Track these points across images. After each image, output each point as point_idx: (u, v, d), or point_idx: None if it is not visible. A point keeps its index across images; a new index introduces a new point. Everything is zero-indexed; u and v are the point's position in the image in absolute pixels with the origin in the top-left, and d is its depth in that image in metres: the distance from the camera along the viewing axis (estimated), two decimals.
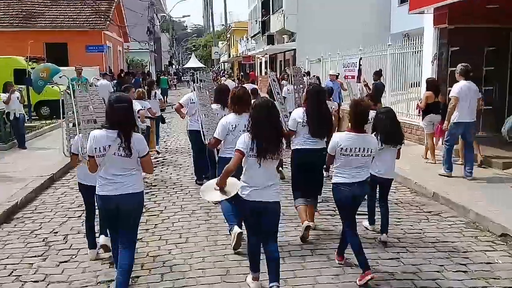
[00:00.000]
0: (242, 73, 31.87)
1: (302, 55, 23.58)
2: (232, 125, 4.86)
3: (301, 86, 6.85)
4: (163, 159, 10.30)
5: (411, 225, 5.92)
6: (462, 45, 9.68)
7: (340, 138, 4.31)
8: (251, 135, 3.77)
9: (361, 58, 15.05)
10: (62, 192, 7.69)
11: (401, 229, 5.78)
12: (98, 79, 12.40)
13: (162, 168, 9.36)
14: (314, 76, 16.23)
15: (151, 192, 7.46)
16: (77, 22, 23.57)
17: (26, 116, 15.41)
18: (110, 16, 23.99)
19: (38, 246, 5.35)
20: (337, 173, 4.37)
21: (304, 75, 10.42)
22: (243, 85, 7.52)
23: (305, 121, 5.23)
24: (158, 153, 10.54)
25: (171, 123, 16.41)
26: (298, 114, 5.34)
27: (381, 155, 5.00)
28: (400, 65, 12.54)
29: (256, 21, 39.09)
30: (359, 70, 15.06)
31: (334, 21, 23.65)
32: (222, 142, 4.97)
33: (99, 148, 3.73)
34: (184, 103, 7.51)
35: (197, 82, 6.34)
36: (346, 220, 4.47)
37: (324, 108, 5.36)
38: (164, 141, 12.64)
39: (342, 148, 4.23)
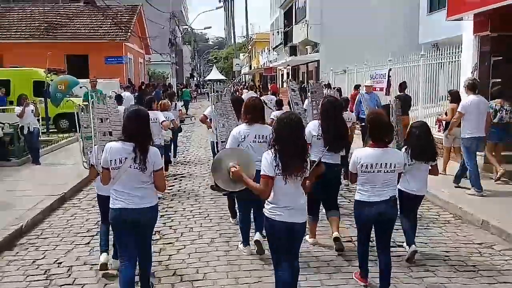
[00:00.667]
0: (261, 85, 31.41)
1: (326, 66, 22.90)
2: (241, 136, 4.82)
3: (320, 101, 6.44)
4: (180, 172, 10.03)
5: (463, 261, 5.14)
6: (505, 54, 8.88)
7: (360, 154, 4.11)
8: (274, 152, 3.51)
9: (390, 69, 14.31)
10: (72, 214, 7.13)
11: (451, 265, 5.01)
12: (116, 92, 11.92)
13: (181, 180, 9.21)
14: (334, 88, 15.52)
15: (166, 214, 6.84)
16: (98, 34, 23.38)
17: (43, 129, 15.36)
18: (131, 28, 23.75)
19: (38, 280, 4.76)
20: (359, 190, 4.17)
21: (324, 87, 9.96)
22: (261, 97, 7.41)
23: (320, 134, 5.14)
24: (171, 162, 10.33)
25: (191, 136, 16.21)
26: (314, 126, 5.26)
27: (412, 171, 4.84)
28: (434, 76, 11.77)
29: (278, 32, 38.66)
30: (388, 82, 14.31)
31: (359, 32, 22.95)
32: None
33: (115, 160, 3.74)
34: (208, 114, 7.43)
35: (213, 93, 6.11)
36: (366, 241, 4.31)
37: (339, 121, 5.26)
38: (183, 155, 12.45)
39: (362, 165, 4.03)
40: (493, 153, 8.01)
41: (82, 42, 22.68)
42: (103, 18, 24.27)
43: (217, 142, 5.55)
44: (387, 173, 4.03)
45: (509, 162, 8.42)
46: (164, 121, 7.90)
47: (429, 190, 7.30)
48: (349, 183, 6.00)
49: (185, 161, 11.55)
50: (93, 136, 4.63)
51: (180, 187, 8.72)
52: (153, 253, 4.46)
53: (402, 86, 11.45)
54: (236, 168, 3.85)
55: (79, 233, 6.19)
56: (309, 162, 3.65)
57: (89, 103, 5.02)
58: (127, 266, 3.88)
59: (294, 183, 3.54)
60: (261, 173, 3.54)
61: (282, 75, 38.05)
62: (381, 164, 4.01)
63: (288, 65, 31.45)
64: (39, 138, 11.26)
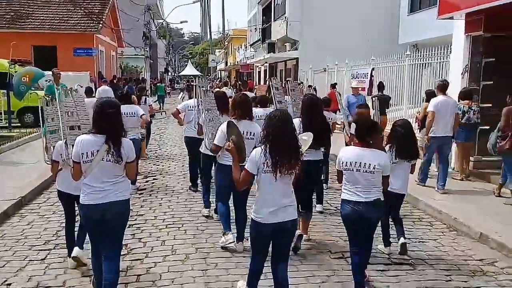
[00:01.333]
0: (239, 82, 30.73)
1: (304, 64, 22.41)
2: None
3: (298, 99, 6.62)
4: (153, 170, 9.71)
5: (466, 281, 4.65)
6: (498, 56, 8.50)
7: (342, 151, 4.11)
8: (265, 149, 3.45)
9: (373, 69, 13.91)
10: (28, 221, 6.33)
11: (455, 287, 4.51)
12: (81, 86, 11.07)
13: (153, 182, 8.68)
14: (310, 86, 15.12)
15: (136, 224, 6.13)
16: (68, 24, 22.21)
17: (4, 123, 14.33)
18: (103, 19, 22.68)
19: None
20: (344, 189, 4.11)
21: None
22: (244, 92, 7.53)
23: (301, 131, 5.02)
24: (147, 156, 10.63)
25: (166, 131, 15.77)
26: (296, 124, 5.00)
27: (394, 170, 4.68)
28: (420, 76, 11.39)
29: (255, 28, 38.02)
30: (371, 82, 13.91)
31: (339, 30, 22.57)
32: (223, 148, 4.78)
33: (86, 153, 3.62)
34: (181, 109, 7.38)
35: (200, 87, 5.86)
36: (352, 242, 4.18)
37: (320, 118, 5.30)
38: (156, 151, 12.16)
39: (343, 162, 4.00)
40: (463, 153, 8.32)
41: (50, 33, 21.48)
42: (73, 8, 23.09)
43: (206, 137, 5.46)
44: (366, 173, 3.91)
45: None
46: (143, 114, 7.73)
47: (418, 197, 7.25)
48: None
49: (158, 158, 11.17)
50: (60, 130, 4.53)
51: (152, 189, 8.01)
52: (120, 272, 4.02)
53: (380, 86, 11.37)
54: (230, 145, 3.80)
55: (34, 245, 5.41)
56: (301, 158, 3.57)
57: (54, 96, 4.95)
58: (95, 260, 3.89)
59: (283, 180, 3.46)
60: (244, 167, 3.53)
61: (259, 72, 37.42)
62: (360, 163, 3.93)
63: (266, 62, 30.83)
64: None
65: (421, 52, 11.34)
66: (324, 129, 5.29)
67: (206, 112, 5.45)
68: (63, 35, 21.57)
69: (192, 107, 6.96)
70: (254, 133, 5.01)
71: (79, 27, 22.03)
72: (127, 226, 4.13)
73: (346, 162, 3.98)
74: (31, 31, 21.52)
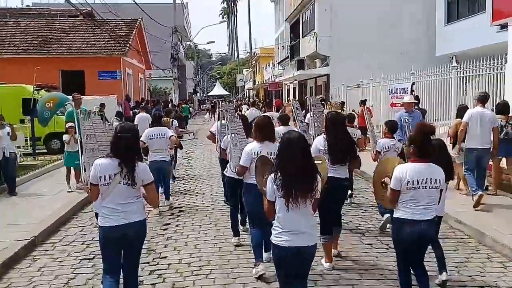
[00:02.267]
0: (261, 102, 30.14)
1: (336, 80, 21.53)
2: (255, 152, 4.87)
3: (320, 115, 6.72)
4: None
5: None
6: None
7: (406, 168, 3.90)
8: (275, 174, 3.39)
9: (414, 83, 12.87)
10: (40, 266, 5.62)
11: None
12: (118, 119, 10.62)
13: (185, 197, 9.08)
14: (319, 98, 14.29)
15: (157, 268, 5.34)
16: (95, 48, 22.10)
17: (30, 151, 13.97)
18: (130, 42, 22.48)
19: None
20: (402, 208, 3.93)
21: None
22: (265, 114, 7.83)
23: (326, 148, 5.20)
24: (174, 178, 10.56)
25: (194, 152, 15.62)
26: (320, 141, 5.35)
27: None
28: (469, 90, 10.35)
29: (283, 46, 37.43)
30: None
31: (371, 44, 21.68)
32: (248, 169, 4.93)
33: (104, 176, 3.75)
34: (214, 131, 7.46)
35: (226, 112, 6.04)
36: (407, 265, 4.05)
37: (345, 134, 5.32)
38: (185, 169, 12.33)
39: (408, 181, 3.83)
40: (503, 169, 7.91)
41: (77, 57, 21.38)
42: (100, 32, 23.01)
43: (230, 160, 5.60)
44: (432, 189, 3.87)
45: None
46: (172, 136, 7.98)
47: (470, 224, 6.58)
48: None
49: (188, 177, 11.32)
50: (80, 153, 4.99)
51: (177, 223, 7.23)
52: None
53: (415, 99, 10.70)
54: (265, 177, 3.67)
55: None
56: (319, 182, 3.43)
57: (74, 123, 5.51)
58: (111, 282, 3.87)
59: (300, 206, 3.35)
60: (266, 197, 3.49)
61: (288, 90, 36.65)
62: (427, 179, 3.84)
63: (295, 80, 30.04)
64: (16, 164, 9.82)
65: (466, 64, 10.35)
66: (349, 146, 5.29)
67: (232, 135, 5.56)
68: (90, 59, 21.43)
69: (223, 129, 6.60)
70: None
71: (106, 50, 21.87)
72: (142, 250, 4.17)
73: (413, 181, 3.83)
74: (58, 56, 21.48)
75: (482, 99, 7.53)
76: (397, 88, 14.00)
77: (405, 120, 7.65)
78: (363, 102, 15.23)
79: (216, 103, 35.80)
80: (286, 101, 34.46)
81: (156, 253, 5.88)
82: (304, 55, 25.99)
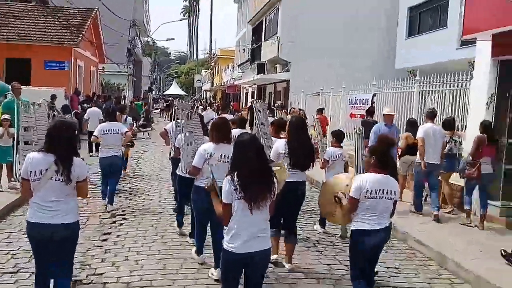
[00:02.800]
0: (219, 104, 29.58)
1: (296, 87, 21.26)
2: (208, 153, 4.81)
3: (267, 121, 6.83)
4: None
5: None
6: None
7: (366, 178, 4.00)
8: (231, 176, 3.31)
9: (375, 95, 12.73)
10: None
11: None
12: (47, 101, 9.76)
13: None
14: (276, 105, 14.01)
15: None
16: (45, 36, 20.64)
17: None
18: (83, 32, 21.21)
19: None
20: (361, 219, 4.02)
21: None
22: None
23: (286, 152, 5.23)
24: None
25: (145, 153, 15.06)
26: (280, 145, 5.36)
27: None
28: (428, 104, 10.23)
29: (243, 49, 37.01)
30: (370, 108, 12.68)
31: (333, 53, 21.58)
32: (201, 170, 4.90)
33: (35, 171, 3.61)
34: (169, 129, 7.24)
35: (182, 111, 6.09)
36: (362, 271, 4.10)
37: (306, 139, 5.41)
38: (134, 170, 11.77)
39: (368, 190, 3.93)
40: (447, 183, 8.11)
41: (25, 44, 19.89)
42: (52, 20, 21.58)
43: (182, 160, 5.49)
44: (388, 200, 3.99)
45: None
46: (127, 131, 7.98)
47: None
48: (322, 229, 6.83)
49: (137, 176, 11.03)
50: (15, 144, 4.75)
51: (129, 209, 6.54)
52: None
53: (370, 110, 11.31)
54: (210, 186, 3.66)
55: None
56: (276, 184, 3.40)
57: (15, 113, 5.07)
58: (38, 281, 3.80)
59: (258, 208, 3.29)
60: (222, 200, 3.37)
61: (247, 93, 36.19)
62: (384, 190, 3.95)
63: (255, 84, 29.64)
64: None
65: (426, 78, 10.26)
66: (310, 150, 5.38)
67: (187, 134, 5.49)
68: (39, 48, 19.89)
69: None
70: (230, 156, 4.72)
71: (57, 39, 20.50)
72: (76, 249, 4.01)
73: (372, 190, 3.93)
74: (4, 42, 19.92)
75: (431, 115, 7.91)
76: (357, 99, 13.85)
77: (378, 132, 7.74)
78: (320, 111, 14.96)
79: (172, 102, 34.71)
80: (244, 105, 34.02)
81: (91, 268, 5.18)
82: (265, 59, 25.64)
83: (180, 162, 5.73)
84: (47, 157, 3.61)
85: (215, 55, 59.23)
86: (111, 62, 31.60)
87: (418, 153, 7.72)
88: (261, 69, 25.64)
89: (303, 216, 7.43)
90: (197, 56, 69.73)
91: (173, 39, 65.12)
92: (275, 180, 3.40)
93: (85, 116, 13.75)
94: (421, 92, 10.57)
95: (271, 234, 4.95)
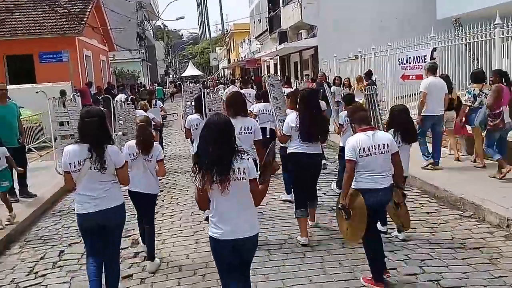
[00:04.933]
0: (240, 79, 27.65)
1: (326, 53, 18.89)
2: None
3: (280, 94, 6.70)
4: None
5: None
6: None
7: (353, 140, 4.06)
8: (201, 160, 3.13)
9: (435, 49, 10.43)
10: None
11: None
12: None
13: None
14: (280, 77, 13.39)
15: None
16: (45, 28, 18.79)
17: None
18: (85, 19, 19.25)
19: None
20: (360, 178, 4.06)
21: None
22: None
23: (298, 125, 5.22)
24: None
25: (171, 133, 15.10)
26: (292, 118, 5.37)
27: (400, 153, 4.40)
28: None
29: (259, 19, 34.55)
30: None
31: (364, 10, 19.01)
32: None
33: (74, 163, 3.73)
34: (188, 126, 6.63)
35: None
36: (368, 229, 4.09)
37: (317, 111, 5.35)
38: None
39: (361, 149, 3.98)
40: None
41: (25, 39, 18.10)
42: (50, 10, 19.65)
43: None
44: (383, 154, 4.01)
45: None
46: (153, 118, 8.10)
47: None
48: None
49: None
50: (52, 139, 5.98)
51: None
52: None
53: (369, 74, 11.67)
54: None
55: None
56: (244, 170, 3.11)
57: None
58: (93, 264, 3.90)
59: (230, 193, 3.07)
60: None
61: (268, 66, 33.82)
62: (376, 145, 3.99)
63: (277, 55, 27.28)
64: None
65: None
66: (320, 122, 5.31)
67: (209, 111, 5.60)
68: (40, 41, 18.11)
69: (197, 125, 6.21)
70: (250, 127, 5.23)
71: (58, 30, 18.63)
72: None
73: (364, 148, 3.97)
74: (2, 39, 18.18)
75: (433, 69, 8.10)
76: (410, 57, 11.54)
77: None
78: (367, 75, 12.77)
79: (181, 85, 32.72)
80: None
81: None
82: (287, 26, 23.23)
83: (194, 142, 5.86)
84: (83, 147, 3.69)
85: (228, 30, 56.80)
86: (122, 49, 29.74)
87: (424, 106, 7.81)
88: (283, 38, 23.27)
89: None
90: (209, 34, 67.39)
91: (183, 17, 62.92)
92: (245, 166, 3.13)
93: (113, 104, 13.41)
94: (503, 38, 8.28)
95: (298, 215, 5.28)
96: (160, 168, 4.79)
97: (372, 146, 3.96)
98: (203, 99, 5.88)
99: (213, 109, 5.64)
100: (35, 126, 13.56)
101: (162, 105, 12.36)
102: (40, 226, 6.71)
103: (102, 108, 5.64)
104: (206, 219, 5.02)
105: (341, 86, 13.69)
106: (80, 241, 5.51)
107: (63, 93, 13.65)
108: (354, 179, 4.06)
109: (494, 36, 8.36)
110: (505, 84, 7.08)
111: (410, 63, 11.47)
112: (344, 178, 4.12)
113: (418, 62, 11.08)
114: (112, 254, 3.99)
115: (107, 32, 24.98)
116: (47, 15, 19.63)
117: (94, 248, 3.92)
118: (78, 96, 12.56)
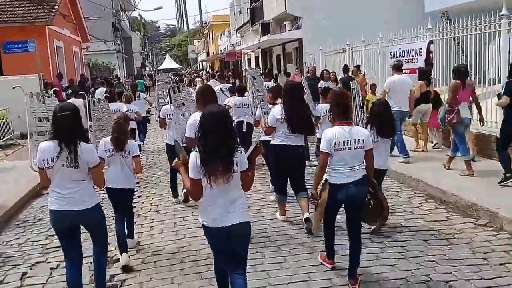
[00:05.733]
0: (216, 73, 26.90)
1: (311, 46, 18.21)
2: (198, 122, 4.48)
3: (261, 87, 6.83)
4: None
5: None
6: None
7: (330, 133, 4.09)
8: (197, 151, 3.21)
9: (432, 42, 9.88)
10: None
11: None
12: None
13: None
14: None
15: None
16: (12, 16, 17.56)
17: None
18: (56, 7, 18.08)
19: None
20: (332, 172, 4.12)
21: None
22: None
23: (283, 117, 5.38)
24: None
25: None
26: (277, 110, 5.50)
27: (376, 148, 4.61)
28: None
29: (239, 11, 33.68)
30: (428, 61, 9.89)
31: (351, 2, 18.37)
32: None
33: (47, 159, 3.66)
34: (163, 116, 6.90)
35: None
36: (329, 222, 4.37)
37: (302, 104, 5.53)
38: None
39: (336, 143, 4.01)
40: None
41: None
42: None
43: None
44: (356, 150, 4.03)
45: None
46: (127, 111, 8.07)
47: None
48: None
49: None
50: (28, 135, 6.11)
51: None
52: None
53: (345, 69, 12.49)
54: (178, 163, 3.61)
55: None
56: (238, 162, 3.22)
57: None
58: (69, 267, 3.86)
59: (222, 185, 3.18)
60: (189, 176, 3.28)
61: (249, 60, 32.95)
62: (350, 140, 4.02)
63: (259, 48, 26.46)
64: None
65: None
66: (305, 114, 5.50)
67: (178, 106, 5.68)
68: (7, 30, 16.90)
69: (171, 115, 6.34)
70: None
71: (27, 18, 17.43)
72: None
73: (339, 142, 4.00)
74: None
75: (398, 67, 8.52)
76: (404, 50, 10.98)
77: None
78: (358, 68, 12.24)
79: (152, 76, 31.62)
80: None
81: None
82: (269, 17, 22.44)
83: (170, 132, 6.22)
84: (56, 144, 3.62)
85: (207, 22, 55.65)
86: (96, 40, 28.46)
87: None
88: (265, 30, 22.46)
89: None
90: (187, 26, 66.06)
91: (161, 7, 61.68)
92: (238, 154, 3.22)
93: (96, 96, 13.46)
94: (509, 30, 7.73)
95: (277, 199, 5.82)
96: (137, 165, 4.84)
97: (348, 140, 4.00)
98: (170, 93, 5.85)
99: (184, 102, 5.76)
100: (0, 122, 12.53)
101: (146, 96, 12.85)
102: (1, 241, 5.84)
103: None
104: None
105: (329, 80, 13.05)
106: (46, 259, 5.07)
107: (47, 85, 12.72)
108: (327, 172, 4.18)
109: (500, 27, 7.80)
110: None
111: (403, 57, 10.90)
112: (317, 169, 4.29)
113: (413, 56, 10.54)
114: (97, 252, 3.98)
115: (80, 22, 23.75)
116: (16, 2, 18.38)
117: (68, 250, 3.85)
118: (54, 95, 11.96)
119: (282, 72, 14.81)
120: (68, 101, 11.64)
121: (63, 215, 3.67)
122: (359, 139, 4.01)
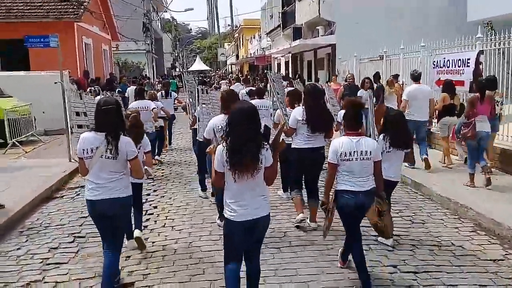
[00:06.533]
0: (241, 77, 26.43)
1: (344, 52, 17.41)
2: (217, 126, 5.12)
3: (282, 89, 7.14)
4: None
5: None
6: None
7: (337, 143, 4.14)
8: (225, 146, 3.32)
9: (482, 52, 8.99)
10: None
11: None
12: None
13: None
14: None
15: None
16: (41, 11, 17.37)
17: None
18: (85, 4, 17.83)
19: None
20: (341, 180, 4.15)
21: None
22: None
23: (304, 119, 5.48)
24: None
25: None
26: (298, 112, 5.59)
27: (388, 159, 4.86)
28: None
29: (271, 15, 33.07)
30: (477, 72, 9.01)
31: (387, 8, 17.50)
32: (211, 140, 5.17)
33: (87, 149, 3.80)
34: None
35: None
36: (348, 230, 4.33)
37: (322, 104, 5.69)
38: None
39: (342, 153, 4.05)
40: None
41: (18, 22, 16.69)
42: None
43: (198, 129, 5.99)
44: (364, 161, 4.04)
45: None
46: (154, 108, 8.88)
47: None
48: None
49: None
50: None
51: None
52: None
53: (376, 77, 12.06)
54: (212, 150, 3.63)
55: None
56: (263, 159, 3.31)
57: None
58: (107, 255, 3.98)
59: (248, 180, 3.30)
60: (213, 166, 3.43)
61: (279, 64, 32.26)
62: (359, 151, 4.03)
63: (289, 52, 25.73)
64: None
65: None
66: (325, 116, 5.60)
67: (203, 106, 6.27)
68: (34, 25, 16.59)
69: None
70: None
71: (55, 13, 17.20)
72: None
73: (345, 153, 4.03)
74: None
75: (415, 77, 8.74)
76: (449, 60, 10.09)
77: None
78: (395, 78, 11.43)
79: (181, 77, 31.41)
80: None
81: None
82: (302, 22, 21.71)
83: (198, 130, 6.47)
84: (98, 136, 3.76)
85: (238, 26, 55.33)
86: (127, 40, 28.33)
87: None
88: (297, 34, 21.72)
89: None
90: (218, 27, 65.98)
91: (192, 9, 61.65)
92: (264, 151, 3.32)
93: (126, 95, 14.08)
94: None
95: (293, 195, 5.84)
96: (147, 159, 4.89)
97: (354, 151, 4.02)
98: (197, 95, 6.23)
99: (209, 104, 6.16)
100: (23, 118, 12.19)
101: (177, 96, 13.24)
102: None
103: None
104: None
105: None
106: (43, 278, 4.65)
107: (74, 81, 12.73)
108: (336, 181, 4.19)
109: None
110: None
111: (448, 67, 10.03)
112: (326, 177, 4.28)
113: (459, 66, 9.65)
114: (115, 246, 4.04)
115: (111, 20, 23.55)
116: None
117: (105, 238, 4.02)
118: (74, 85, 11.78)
119: (298, 79, 14.10)
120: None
121: (96, 204, 3.82)
122: (366, 151, 4.03)
